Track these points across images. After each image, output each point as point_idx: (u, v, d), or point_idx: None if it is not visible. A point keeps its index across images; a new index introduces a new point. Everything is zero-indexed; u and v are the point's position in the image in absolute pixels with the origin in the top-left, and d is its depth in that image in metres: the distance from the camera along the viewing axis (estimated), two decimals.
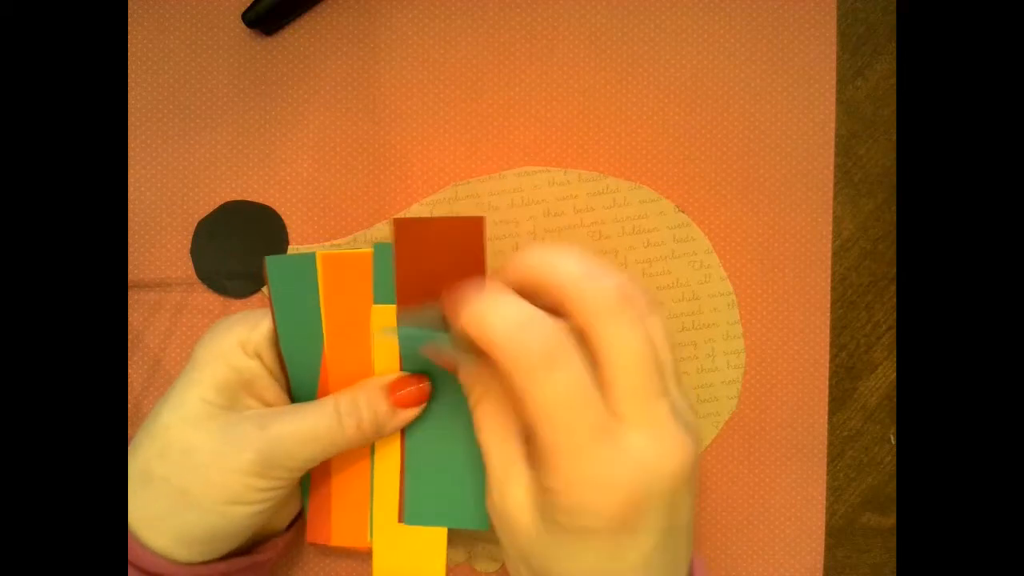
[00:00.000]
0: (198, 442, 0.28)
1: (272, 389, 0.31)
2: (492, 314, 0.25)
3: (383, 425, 0.31)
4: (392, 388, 0.31)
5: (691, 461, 0.25)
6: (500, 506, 0.27)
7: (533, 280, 0.26)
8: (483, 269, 0.29)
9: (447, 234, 0.29)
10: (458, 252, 0.29)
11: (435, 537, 0.33)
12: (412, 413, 0.31)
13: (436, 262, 0.30)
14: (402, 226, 0.30)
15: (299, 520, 0.35)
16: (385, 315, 0.32)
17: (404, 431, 0.33)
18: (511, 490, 0.27)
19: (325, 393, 0.32)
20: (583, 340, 0.25)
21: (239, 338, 0.30)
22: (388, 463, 0.33)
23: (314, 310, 0.32)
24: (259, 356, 0.31)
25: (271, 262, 0.32)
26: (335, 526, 0.34)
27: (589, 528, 0.25)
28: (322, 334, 0.32)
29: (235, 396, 0.30)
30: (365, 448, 0.33)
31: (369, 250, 0.32)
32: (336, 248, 0.38)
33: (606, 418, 0.24)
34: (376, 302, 0.32)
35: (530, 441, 0.27)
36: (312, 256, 0.32)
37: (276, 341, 0.32)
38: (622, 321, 0.24)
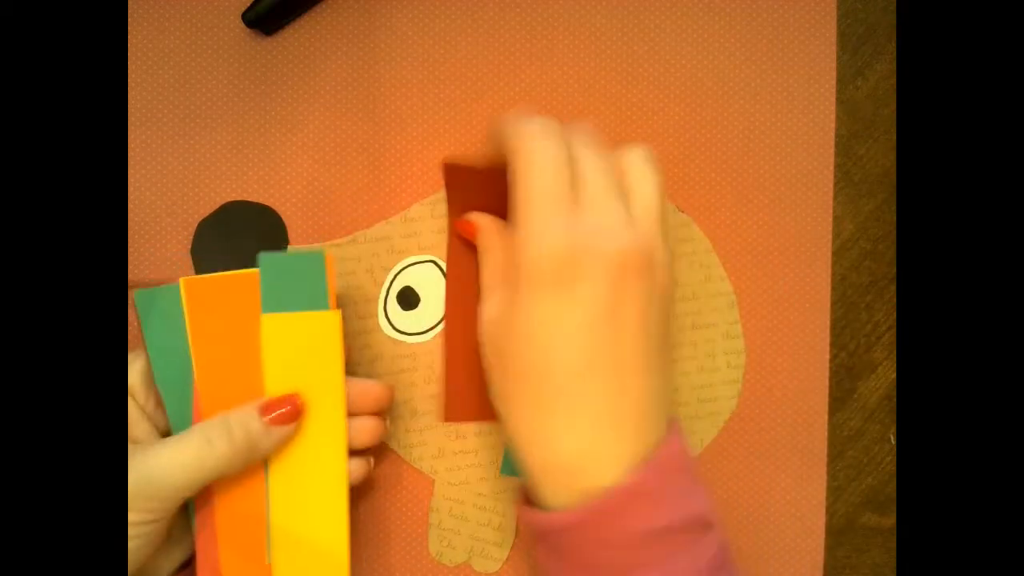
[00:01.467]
0: None
1: (141, 426, 0.31)
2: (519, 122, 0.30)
3: (256, 443, 0.31)
4: (266, 408, 0.31)
5: (640, 252, 0.28)
6: (483, 314, 0.30)
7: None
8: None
9: (493, 179, 0.32)
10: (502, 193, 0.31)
11: (336, 547, 0.33)
12: (287, 431, 0.32)
13: (484, 204, 0.35)
14: (451, 170, 0.35)
15: (187, 568, 0.34)
16: (278, 323, 0.32)
17: None
18: (491, 298, 0.31)
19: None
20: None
21: None
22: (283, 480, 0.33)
23: (184, 340, 0.32)
24: (131, 395, 0.31)
25: (138, 296, 0.32)
26: (224, 561, 0.33)
27: (536, 280, 0.27)
28: (191, 364, 0.32)
29: None
30: (244, 478, 0.32)
31: (248, 271, 0.33)
32: (336, 248, 0.38)
33: (570, 198, 0.28)
34: (266, 311, 0.33)
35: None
36: (177, 287, 0.32)
37: (151, 378, 0.31)
38: (599, 148, 0.30)
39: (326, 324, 0.33)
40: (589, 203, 0.28)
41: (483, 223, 0.34)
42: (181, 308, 0.32)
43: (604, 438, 0.27)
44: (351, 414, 0.34)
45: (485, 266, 0.33)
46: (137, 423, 0.31)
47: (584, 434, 0.27)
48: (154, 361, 0.32)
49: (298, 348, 0.33)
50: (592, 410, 0.27)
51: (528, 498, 0.30)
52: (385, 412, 0.36)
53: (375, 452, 0.37)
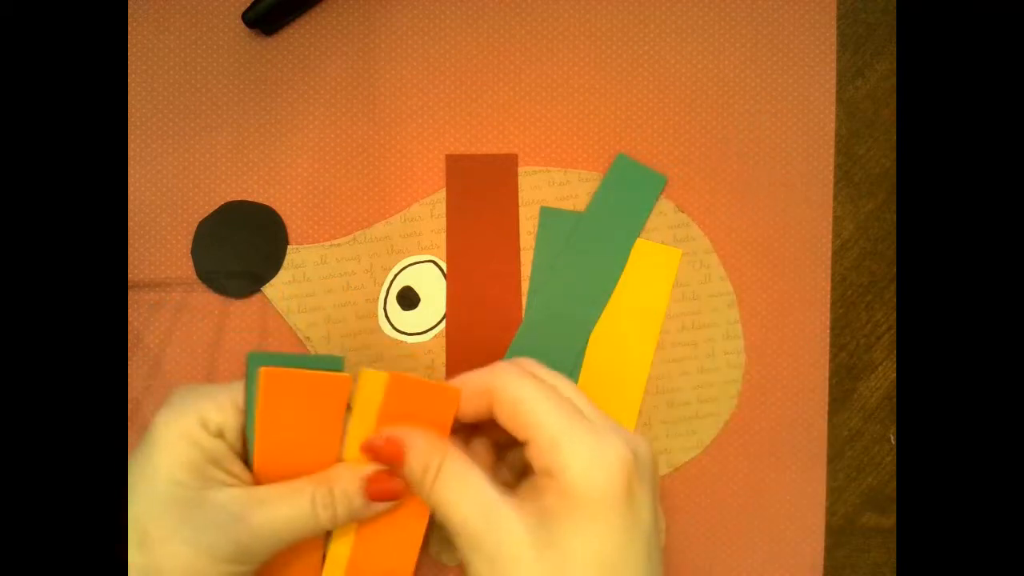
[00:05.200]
0: (174, 528, 0.27)
1: (238, 464, 0.30)
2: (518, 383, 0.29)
3: (355, 518, 0.30)
4: (370, 482, 0.30)
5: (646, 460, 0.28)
6: (491, 539, 0.27)
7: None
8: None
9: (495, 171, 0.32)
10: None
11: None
12: (386, 506, 0.30)
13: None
14: (454, 162, 0.34)
15: None
16: (375, 381, 0.31)
17: None
18: (503, 525, 0.27)
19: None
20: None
21: (200, 417, 0.29)
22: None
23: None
24: (222, 435, 0.30)
25: (252, 357, 0.30)
26: None
27: (595, 506, 0.26)
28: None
29: (205, 473, 0.29)
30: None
31: (330, 375, 0.31)
32: (336, 248, 0.38)
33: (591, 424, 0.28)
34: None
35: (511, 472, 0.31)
36: (301, 359, 0.31)
37: (241, 420, 0.30)
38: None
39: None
40: (599, 421, 0.28)
41: (411, 440, 0.29)
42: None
43: None
44: None
45: (454, 485, 0.28)
46: (234, 462, 0.30)
47: None
48: (251, 416, 0.31)
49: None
50: None
51: None
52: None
53: None
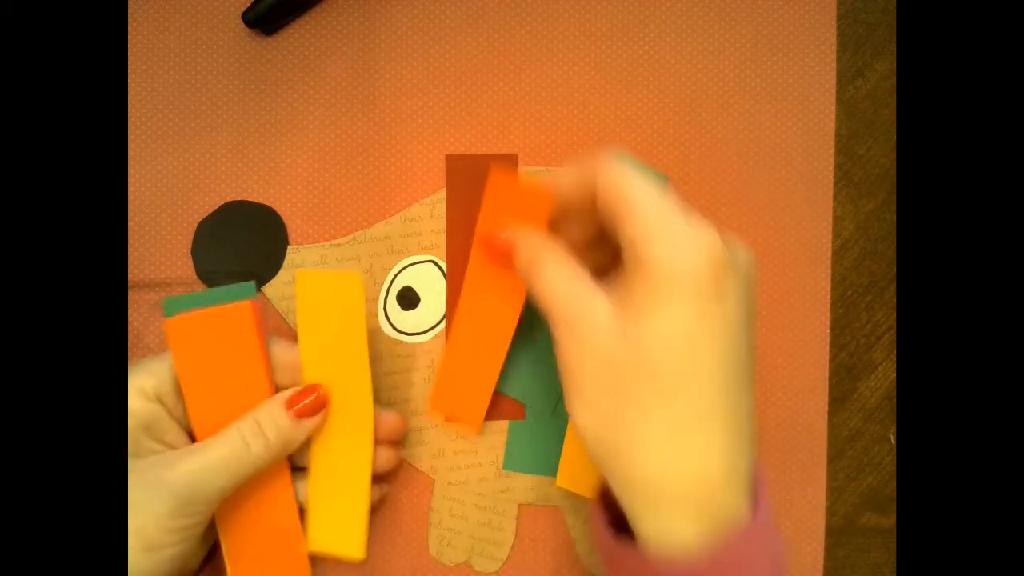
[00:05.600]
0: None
1: (173, 431, 0.31)
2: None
3: (288, 439, 0.31)
4: (291, 402, 0.32)
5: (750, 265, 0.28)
6: (582, 321, 0.27)
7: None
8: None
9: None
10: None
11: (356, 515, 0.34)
12: (315, 422, 0.32)
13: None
14: (454, 162, 0.36)
15: (210, 561, 0.35)
16: (308, 280, 0.34)
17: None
18: (592, 307, 0.28)
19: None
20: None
21: (136, 384, 0.30)
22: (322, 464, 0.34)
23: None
24: (160, 400, 0.31)
25: (167, 303, 0.32)
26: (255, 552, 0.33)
27: (678, 290, 0.26)
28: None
29: (136, 441, 0.30)
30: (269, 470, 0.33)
31: (225, 306, 0.32)
32: (336, 248, 0.38)
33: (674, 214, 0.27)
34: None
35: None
36: (212, 293, 0.32)
37: (177, 383, 0.32)
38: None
39: (350, 285, 0.33)
40: (697, 220, 0.28)
41: (520, 236, 0.31)
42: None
43: (736, 460, 0.26)
44: None
45: (553, 277, 0.29)
46: (168, 428, 0.31)
47: (721, 456, 0.26)
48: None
49: (326, 307, 0.33)
50: (732, 428, 0.26)
51: (615, 534, 0.28)
52: (400, 441, 0.37)
53: (390, 479, 0.37)
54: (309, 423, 0.32)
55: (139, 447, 0.30)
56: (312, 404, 0.32)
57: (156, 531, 0.28)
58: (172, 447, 0.31)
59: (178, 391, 0.32)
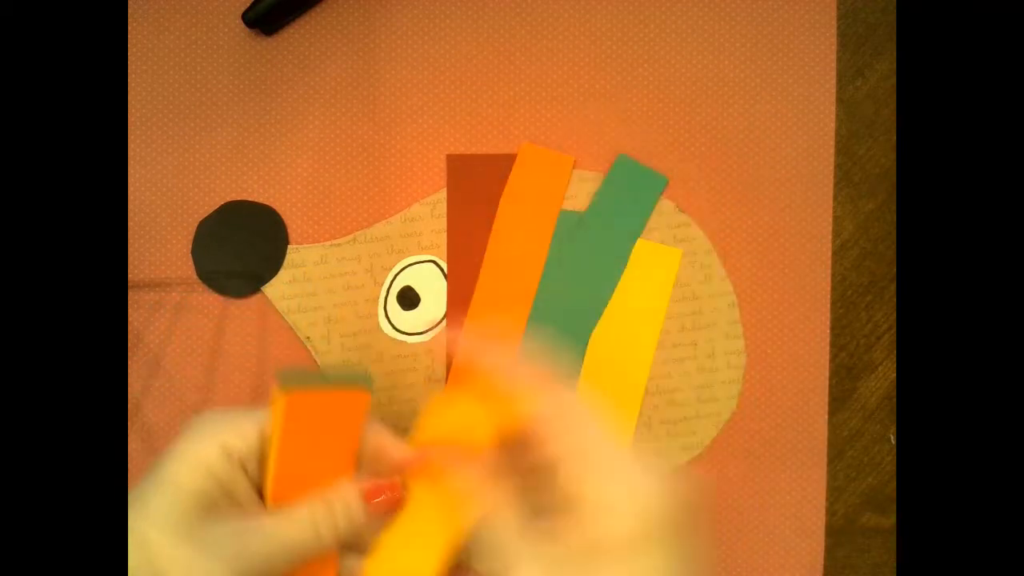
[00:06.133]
0: (176, 555, 0.27)
1: (251, 501, 0.29)
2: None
3: (358, 531, 0.29)
4: (369, 495, 0.29)
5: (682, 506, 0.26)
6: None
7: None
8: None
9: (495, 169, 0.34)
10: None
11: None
12: (387, 517, 0.30)
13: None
14: (454, 162, 0.35)
15: None
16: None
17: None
18: (523, 563, 0.26)
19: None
20: None
21: (224, 445, 0.28)
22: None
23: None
24: (244, 468, 0.29)
25: (283, 376, 0.30)
26: None
27: (610, 547, 0.25)
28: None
29: (215, 506, 0.28)
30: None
31: (346, 392, 0.30)
32: (336, 248, 0.38)
33: (620, 458, 0.26)
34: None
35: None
36: (329, 377, 0.31)
37: (265, 447, 0.30)
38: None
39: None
40: (629, 458, 0.27)
41: (460, 472, 0.29)
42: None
43: None
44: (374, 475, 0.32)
45: (494, 514, 0.28)
46: (249, 499, 0.29)
47: None
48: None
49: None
50: None
51: None
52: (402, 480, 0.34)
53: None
54: (379, 518, 0.30)
55: (216, 512, 0.28)
56: (390, 501, 0.30)
57: None
58: (245, 510, 0.29)
59: (260, 459, 0.30)
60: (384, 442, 0.31)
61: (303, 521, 0.29)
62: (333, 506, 0.29)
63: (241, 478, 0.29)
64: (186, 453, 0.28)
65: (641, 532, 0.25)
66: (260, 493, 0.30)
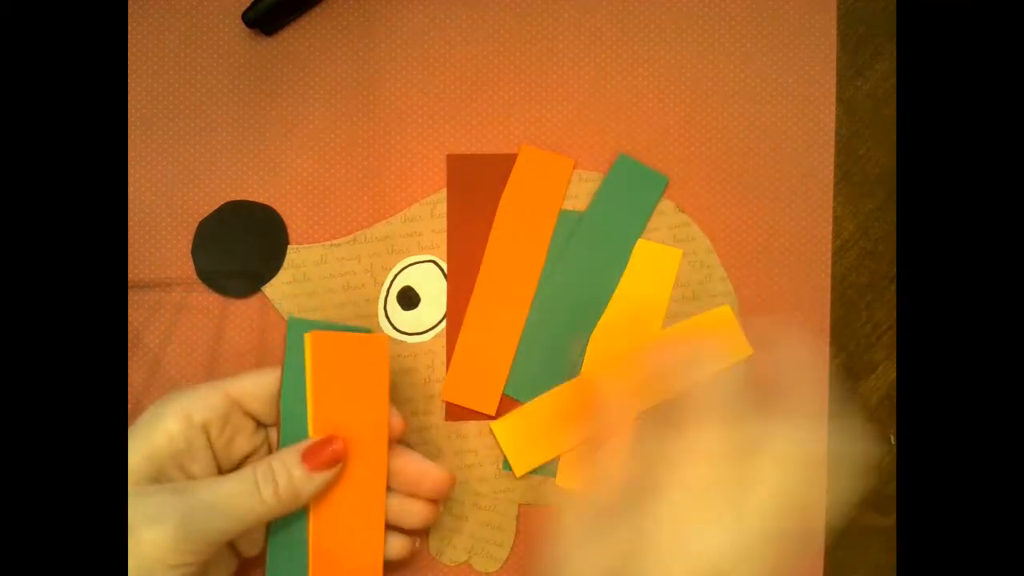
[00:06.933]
0: (133, 515, 0.28)
1: (204, 463, 0.30)
2: None
3: (299, 491, 0.30)
4: (306, 453, 0.31)
5: None
6: None
7: None
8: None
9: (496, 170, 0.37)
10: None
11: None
12: (327, 476, 0.31)
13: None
14: (455, 162, 0.37)
15: None
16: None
17: None
18: None
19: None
20: None
21: (184, 405, 0.30)
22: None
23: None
24: (205, 430, 0.30)
25: (292, 321, 0.33)
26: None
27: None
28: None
29: (162, 468, 0.29)
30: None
31: (371, 335, 0.34)
32: (336, 248, 0.38)
33: None
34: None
35: None
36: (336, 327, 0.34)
37: (233, 409, 0.31)
38: None
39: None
40: None
41: None
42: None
43: None
44: (407, 494, 0.34)
45: None
46: (200, 459, 0.30)
47: None
48: (287, 385, 0.32)
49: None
50: None
51: None
52: (441, 499, 0.35)
53: (420, 534, 0.36)
54: (320, 477, 0.31)
55: (162, 475, 0.29)
56: (327, 457, 0.31)
57: (147, 560, 0.27)
58: (192, 478, 0.30)
59: (226, 420, 0.31)
60: (423, 467, 0.34)
61: (245, 475, 0.30)
62: (272, 463, 0.30)
63: (201, 444, 0.30)
64: (145, 423, 0.30)
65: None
66: (219, 461, 0.32)
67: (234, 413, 0.31)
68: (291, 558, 0.33)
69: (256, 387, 0.32)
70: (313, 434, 0.32)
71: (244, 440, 0.32)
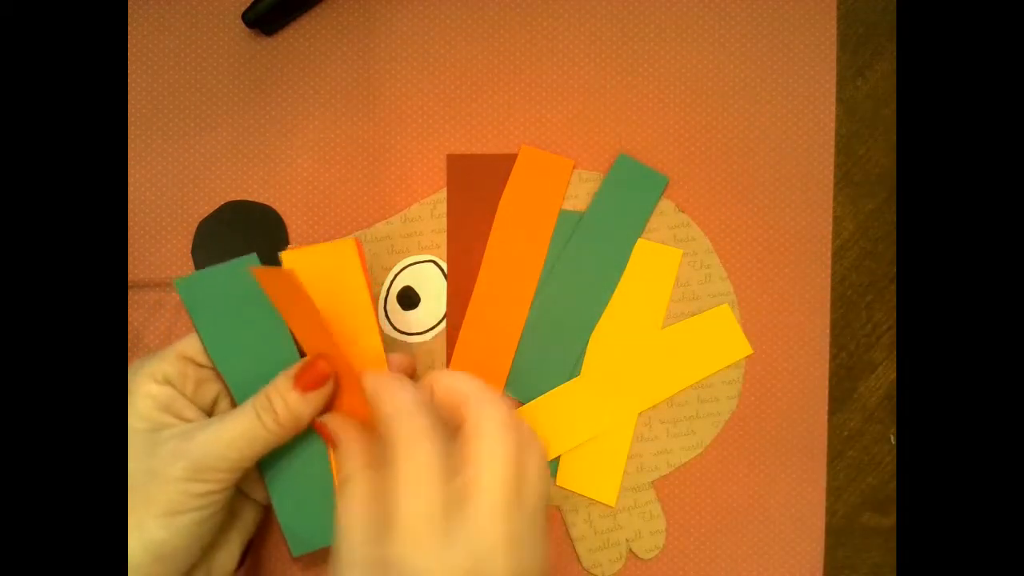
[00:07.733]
0: (132, 467, 0.30)
1: (190, 409, 0.32)
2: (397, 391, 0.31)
3: (298, 414, 0.32)
4: (297, 377, 0.32)
5: None
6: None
7: (444, 394, 0.31)
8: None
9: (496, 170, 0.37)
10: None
11: None
12: (321, 394, 0.32)
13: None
14: (454, 162, 0.37)
15: (248, 557, 0.35)
16: (297, 259, 0.33)
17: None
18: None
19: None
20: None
21: (147, 371, 0.32)
22: None
23: (237, 318, 0.33)
24: (170, 383, 0.32)
25: (180, 284, 0.33)
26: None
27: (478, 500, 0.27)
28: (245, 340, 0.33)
29: (158, 419, 0.31)
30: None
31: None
32: None
33: (448, 507, 0.27)
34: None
35: None
36: (217, 269, 0.33)
37: (187, 364, 0.33)
38: (498, 442, 0.28)
39: (344, 253, 0.34)
40: (472, 516, 0.28)
41: (342, 437, 0.32)
42: (230, 289, 0.33)
43: None
44: None
45: (353, 500, 0.30)
46: (185, 407, 0.32)
47: None
48: (209, 342, 0.33)
49: (322, 281, 0.33)
50: None
51: None
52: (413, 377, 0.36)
53: None
54: (314, 397, 0.32)
55: (161, 424, 0.31)
56: (315, 376, 0.32)
57: (178, 495, 0.29)
58: (189, 420, 0.32)
59: (185, 375, 0.33)
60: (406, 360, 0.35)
61: (246, 410, 0.31)
62: (268, 392, 0.32)
63: (176, 395, 0.32)
64: (128, 385, 0.32)
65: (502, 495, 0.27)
66: (196, 403, 0.33)
67: (189, 367, 0.33)
68: (298, 502, 0.34)
69: (198, 343, 0.33)
70: (307, 352, 0.33)
71: (211, 385, 0.34)
